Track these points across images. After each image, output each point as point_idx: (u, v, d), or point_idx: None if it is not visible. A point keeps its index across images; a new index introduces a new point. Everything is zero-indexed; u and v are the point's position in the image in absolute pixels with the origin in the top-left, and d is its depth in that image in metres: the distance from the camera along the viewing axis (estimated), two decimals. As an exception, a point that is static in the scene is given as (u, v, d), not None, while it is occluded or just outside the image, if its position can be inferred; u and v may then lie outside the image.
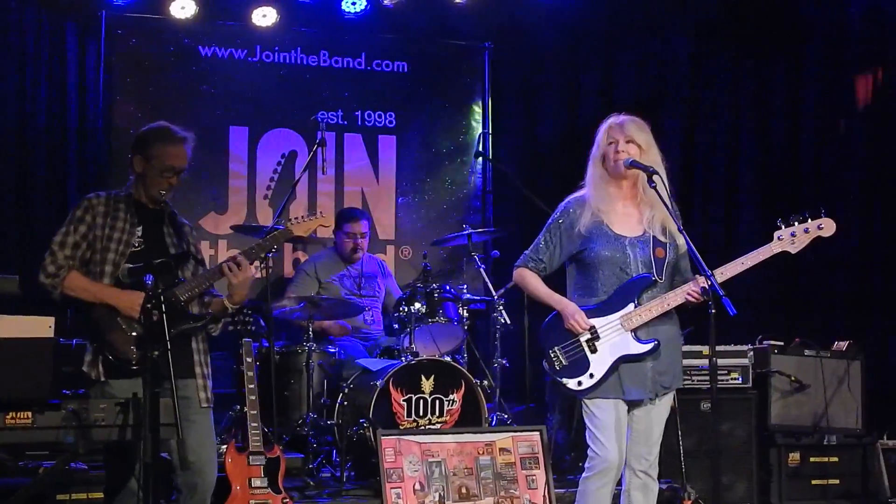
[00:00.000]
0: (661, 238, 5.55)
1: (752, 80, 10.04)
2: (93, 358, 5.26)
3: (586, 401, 5.49)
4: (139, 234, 5.37)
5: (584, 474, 5.57)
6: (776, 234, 5.48)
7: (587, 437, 5.53)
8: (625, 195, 5.58)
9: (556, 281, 5.69)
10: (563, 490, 6.58)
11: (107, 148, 8.82)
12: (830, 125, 9.81)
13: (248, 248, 5.56)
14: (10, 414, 4.58)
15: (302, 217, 5.82)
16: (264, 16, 9.01)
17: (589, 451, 5.53)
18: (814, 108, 9.97)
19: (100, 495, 5.83)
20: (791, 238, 5.48)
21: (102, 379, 5.21)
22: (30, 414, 4.60)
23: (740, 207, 9.82)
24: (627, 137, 5.52)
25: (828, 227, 5.51)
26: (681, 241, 5.54)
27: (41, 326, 4.66)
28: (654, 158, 5.50)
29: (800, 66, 10.00)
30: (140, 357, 5.16)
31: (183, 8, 8.77)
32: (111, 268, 5.29)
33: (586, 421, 5.52)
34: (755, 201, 9.79)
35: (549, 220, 5.65)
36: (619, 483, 5.62)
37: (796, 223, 5.49)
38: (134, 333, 5.20)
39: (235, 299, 5.44)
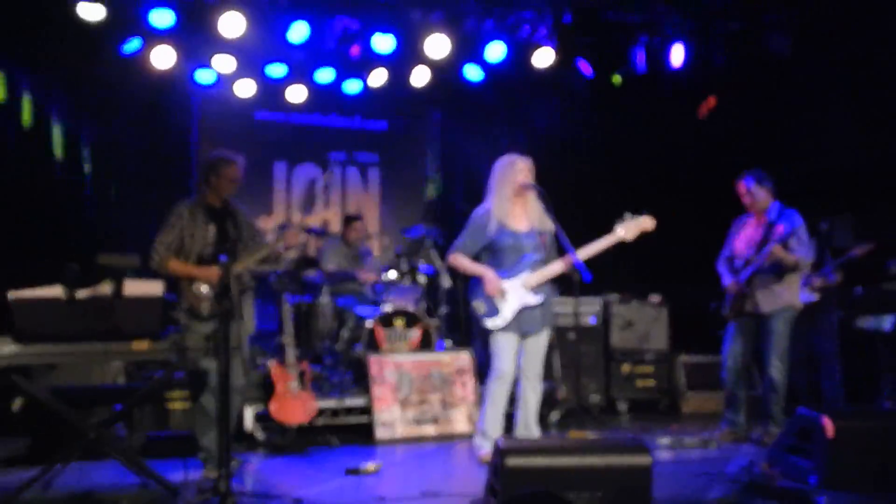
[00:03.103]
0: (542, 230, 5.61)
1: (604, 125, 10.00)
2: (178, 310, 5.37)
3: (496, 333, 5.54)
4: (212, 231, 5.41)
5: (487, 381, 5.64)
6: (616, 227, 5.54)
7: (492, 357, 5.60)
8: (518, 203, 5.63)
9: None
10: (482, 389, 6.64)
11: (196, 171, 8.75)
12: (659, 148, 9.76)
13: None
14: (135, 342, 4.59)
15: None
16: (296, 92, 8.94)
17: (492, 366, 5.61)
18: (650, 136, 9.94)
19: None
20: (626, 230, 5.54)
21: (185, 323, 5.31)
22: (147, 342, 4.60)
23: (593, 208, 9.80)
24: (529, 170, 5.60)
25: (649, 223, 5.57)
26: (551, 228, 5.60)
27: (155, 287, 4.66)
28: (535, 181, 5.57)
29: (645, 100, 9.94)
30: (208, 310, 5.30)
31: (245, 87, 8.67)
32: (195, 257, 5.37)
33: (493, 346, 5.58)
34: (603, 203, 9.77)
35: (467, 224, 5.68)
36: (516, 386, 5.69)
37: (628, 220, 5.55)
38: (204, 293, 5.32)
39: (272, 268, 5.62)
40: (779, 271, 6.36)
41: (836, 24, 8.06)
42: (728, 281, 6.58)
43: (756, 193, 6.49)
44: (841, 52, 8.37)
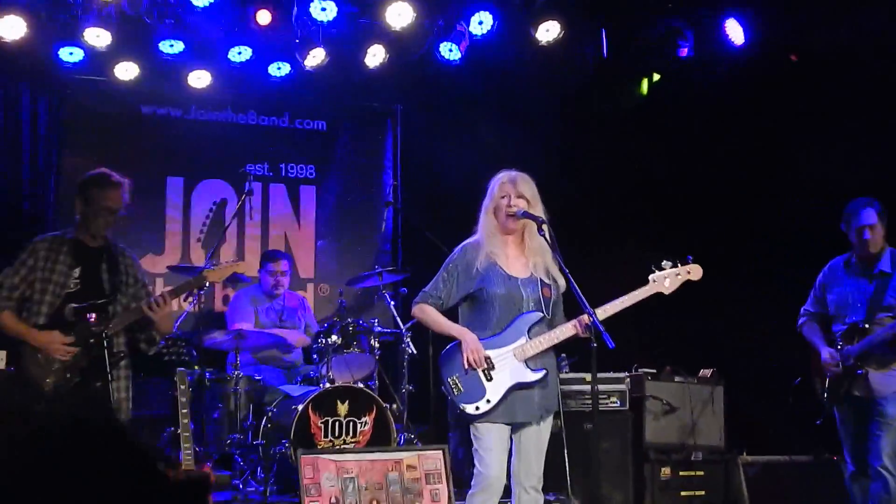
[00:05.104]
0: (546, 280, 5.59)
1: (612, 146, 10.06)
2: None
3: (476, 424, 5.49)
4: (76, 275, 5.47)
5: (469, 491, 5.59)
6: (650, 276, 5.55)
7: (474, 457, 5.54)
8: (513, 241, 5.61)
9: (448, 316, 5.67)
10: (462, 501, 6.58)
11: (55, 195, 8.71)
12: (698, 165, 9.85)
13: (168, 290, 5.67)
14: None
15: (217, 264, 5.92)
16: (199, 78, 8.93)
17: (475, 470, 5.53)
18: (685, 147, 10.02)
19: None
20: (664, 281, 5.55)
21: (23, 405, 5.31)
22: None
23: (619, 245, 9.84)
24: (518, 193, 5.54)
25: (695, 272, 5.59)
26: (561, 281, 5.59)
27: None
28: (539, 209, 5.54)
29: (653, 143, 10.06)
30: (53, 389, 5.30)
31: (126, 70, 8.65)
32: (47, 308, 5.42)
33: (474, 442, 5.52)
34: (632, 240, 9.82)
35: (447, 262, 5.64)
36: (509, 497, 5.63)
37: (668, 268, 5.57)
38: (53, 368, 5.32)
39: (162, 331, 5.54)
40: None
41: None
42: (827, 354, 6.68)
43: (877, 230, 6.60)
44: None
